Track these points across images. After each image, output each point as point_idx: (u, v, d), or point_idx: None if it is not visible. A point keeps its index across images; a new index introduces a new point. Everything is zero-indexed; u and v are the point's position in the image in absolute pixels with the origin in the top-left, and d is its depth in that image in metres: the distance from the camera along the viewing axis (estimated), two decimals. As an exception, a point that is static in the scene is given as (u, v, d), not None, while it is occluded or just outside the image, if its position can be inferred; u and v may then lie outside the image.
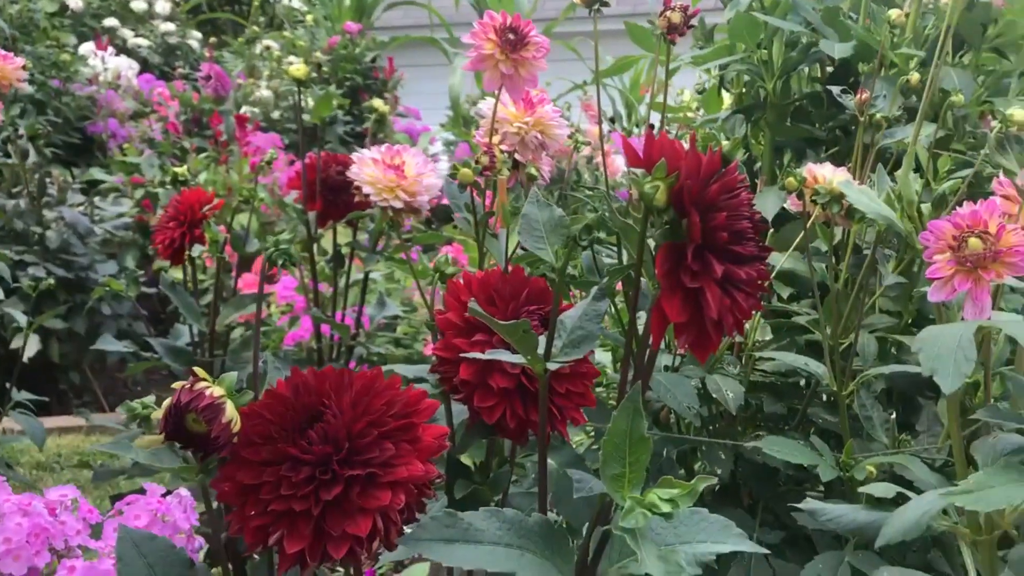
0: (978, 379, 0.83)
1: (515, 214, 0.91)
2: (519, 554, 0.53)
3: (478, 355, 0.58)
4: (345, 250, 1.43)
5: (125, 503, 0.78)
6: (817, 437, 0.85)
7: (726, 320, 0.49)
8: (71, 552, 0.71)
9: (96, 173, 3.13)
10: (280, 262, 0.63)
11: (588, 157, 3.58)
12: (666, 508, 0.47)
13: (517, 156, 0.91)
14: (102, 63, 3.67)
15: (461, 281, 0.71)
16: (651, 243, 0.52)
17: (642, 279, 0.57)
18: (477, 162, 0.80)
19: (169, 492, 0.80)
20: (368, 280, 1.49)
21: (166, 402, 0.55)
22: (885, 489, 0.70)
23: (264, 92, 3.65)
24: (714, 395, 0.90)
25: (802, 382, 1.07)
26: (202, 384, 0.55)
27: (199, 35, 5.02)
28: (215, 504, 0.63)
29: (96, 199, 2.87)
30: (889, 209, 0.67)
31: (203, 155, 2.91)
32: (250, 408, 0.56)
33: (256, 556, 0.71)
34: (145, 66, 4.32)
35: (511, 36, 0.82)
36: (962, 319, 0.63)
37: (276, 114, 3.71)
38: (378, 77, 4.17)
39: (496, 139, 0.88)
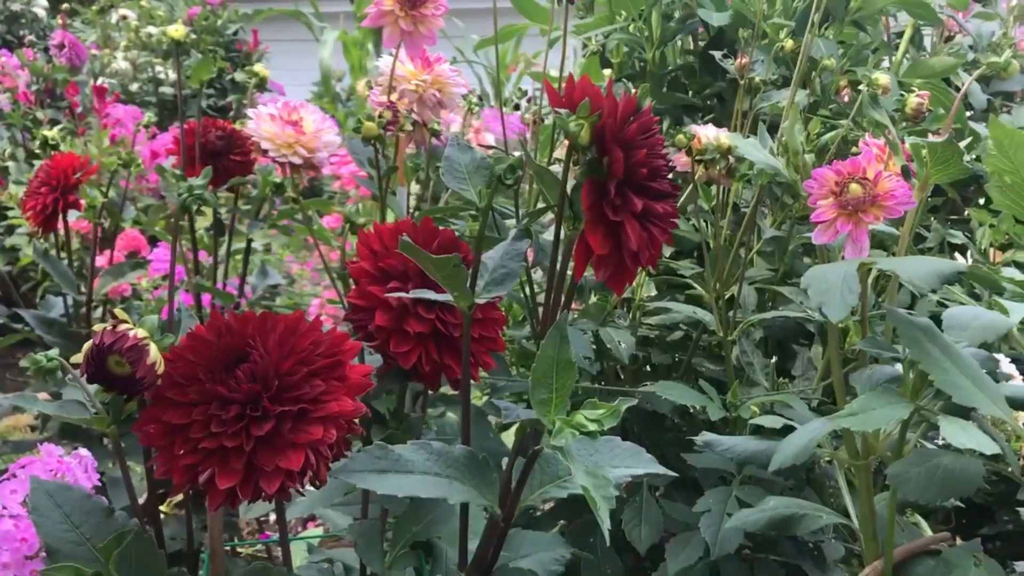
0: (847, 327, 0.90)
1: (415, 171, 0.92)
2: (448, 482, 0.55)
3: (402, 294, 0.60)
4: (226, 218, 1.41)
5: (20, 465, 0.76)
6: (707, 382, 0.91)
7: (643, 253, 0.53)
8: (-33, 514, 0.69)
9: (-64, 147, 2.93)
10: (195, 208, 0.62)
11: (460, 133, 3.61)
12: (592, 427, 0.50)
13: (414, 115, 0.92)
14: (-61, 29, 3.43)
15: (372, 231, 0.72)
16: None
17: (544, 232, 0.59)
18: (380, 116, 0.81)
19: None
20: (250, 248, 1.47)
21: (87, 344, 0.54)
22: (773, 420, 0.75)
23: (121, 64, 3.49)
24: (608, 345, 0.94)
25: (680, 335, 1.13)
26: (124, 326, 0.54)
27: (45, 3, 4.75)
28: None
29: (-62, 174, 2.70)
30: (775, 160, 0.72)
31: (59, 127, 2.77)
32: (172, 351, 0.56)
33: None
34: (-14, 35, 4.06)
35: (411, -7, 0.83)
36: (842, 259, 0.68)
37: (135, 86, 3.57)
38: (241, 50, 4.05)
39: (394, 97, 0.89)
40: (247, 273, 1.46)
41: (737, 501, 0.85)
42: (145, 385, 0.54)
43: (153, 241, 2.17)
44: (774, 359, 0.98)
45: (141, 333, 0.54)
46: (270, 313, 0.57)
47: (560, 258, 0.55)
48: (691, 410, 1.04)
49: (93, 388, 0.66)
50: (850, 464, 0.75)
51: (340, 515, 1.27)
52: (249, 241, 1.45)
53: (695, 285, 1.03)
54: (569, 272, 0.60)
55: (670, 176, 0.55)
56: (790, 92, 0.82)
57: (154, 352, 0.54)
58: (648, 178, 0.51)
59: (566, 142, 0.89)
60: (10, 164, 2.78)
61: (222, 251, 1.40)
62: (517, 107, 1.77)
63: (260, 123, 0.87)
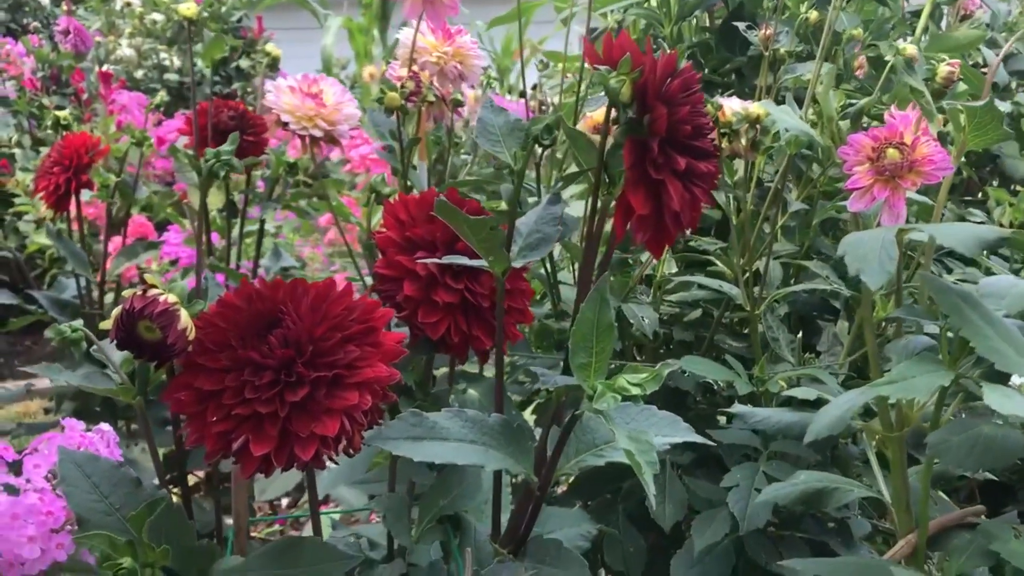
0: (874, 300, 0.88)
1: (436, 144, 0.91)
2: (484, 450, 0.54)
3: (433, 261, 0.59)
4: (238, 199, 1.39)
5: (41, 440, 0.75)
6: (732, 357, 0.90)
7: (685, 214, 0.51)
8: (-9, 488, 0.68)
9: (-58, 134, 2.92)
10: (222, 174, 0.61)
11: (465, 120, 3.59)
12: (635, 391, 0.49)
13: (435, 89, 0.91)
14: (-58, 17, 3.41)
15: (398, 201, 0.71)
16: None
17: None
18: (403, 87, 0.79)
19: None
20: (263, 231, 1.46)
21: (116, 309, 0.53)
22: (807, 392, 0.74)
23: (126, 51, 3.47)
24: (631, 321, 0.93)
25: (700, 313, 1.12)
26: (155, 291, 0.53)
27: (48, -9, 4.72)
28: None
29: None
30: (808, 126, 0.71)
31: (66, 111, 2.75)
32: (202, 317, 0.55)
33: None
34: (-11, 23, 4.04)
35: (432, -39, 0.82)
36: (878, 226, 0.67)
37: (139, 73, 3.55)
38: (246, 36, 4.03)
39: (415, 69, 0.88)
40: (260, 255, 1.45)
41: (765, 476, 0.84)
42: (176, 351, 0.53)
43: (160, 228, 2.16)
44: (799, 335, 0.97)
45: (172, 298, 0.53)
46: (301, 280, 0.56)
47: (596, 221, 0.53)
48: (715, 386, 1.03)
49: (118, 359, 0.65)
50: (883, 437, 0.74)
51: (355, 495, 1.26)
52: (262, 222, 1.44)
53: (717, 261, 1.02)
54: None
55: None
56: (816, 62, 0.81)
57: (185, 318, 0.53)
58: (691, 136, 0.50)
59: (590, 116, 0.88)
60: (16, 151, 2.77)
61: (234, 233, 1.39)
62: (523, 94, 1.76)
63: (280, 95, 0.86)
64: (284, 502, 1.85)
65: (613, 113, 0.51)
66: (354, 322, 0.54)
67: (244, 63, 3.86)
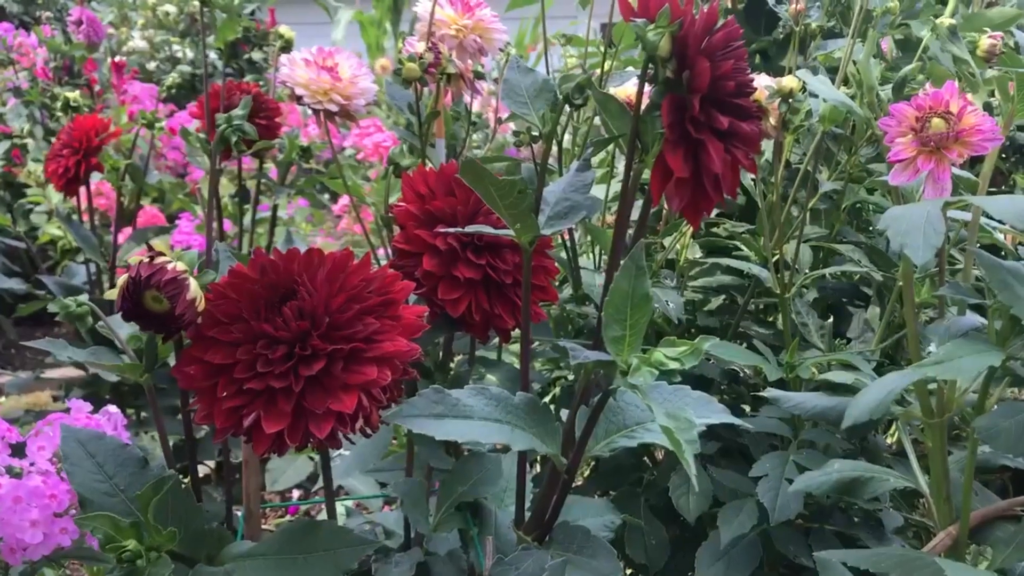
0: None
1: (455, 119, 0.88)
2: (509, 429, 0.51)
3: (455, 230, 0.56)
4: (251, 184, 1.37)
5: (46, 422, 0.72)
6: (760, 344, 0.86)
7: (726, 178, 0.48)
8: (-7, 471, 0.65)
9: (-46, 124, 2.90)
10: (234, 139, 0.58)
11: (478, 114, 3.56)
12: (673, 365, 0.45)
13: (451, 68, 0.88)
14: (-45, 9, 3.39)
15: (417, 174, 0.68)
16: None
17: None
18: (421, 58, 0.76)
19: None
20: (276, 217, 1.43)
21: (122, 278, 0.50)
22: (843, 376, 0.71)
23: (139, 43, 3.45)
24: (656, 305, 0.90)
25: (723, 300, 1.08)
26: (162, 258, 0.50)
27: (61, -16, 4.71)
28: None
29: (-45, 151, 2.67)
30: (847, 97, 0.68)
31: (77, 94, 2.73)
32: (213, 288, 0.52)
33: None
34: (1, 15, 4.03)
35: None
36: (918, 200, 0.64)
37: (152, 65, 3.53)
38: (259, 29, 4.01)
39: (433, 41, 0.85)
40: (272, 243, 1.42)
41: (796, 466, 0.81)
42: (184, 322, 0.50)
43: (170, 221, 2.14)
44: (830, 320, 0.94)
45: (180, 266, 0.50)
46: (317, 249, 0.53)
47: (629, 186, 0.50)
48: (740, 375, 1.00)
49: (124, 336, 0.62)
50: (923, 424, 0.70)
51: (366, 486, 1.24)
52: (275, 208, 1.42)
53: (743, 246, 0.99)
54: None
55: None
56: (848, 39, 0.78)
57: (194, 287, 0.50)
58: (734, 94, 0.46)
59: (614, 91, 0.85)
60: (29, 142, 2.75)
61: (246, 221, 1.36)
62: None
63: (295, 69, 0.82)
64: (295, 495, 1.82)
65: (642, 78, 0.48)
66: (372, 294, 0.52)
67: (256, 55, 3.83)
